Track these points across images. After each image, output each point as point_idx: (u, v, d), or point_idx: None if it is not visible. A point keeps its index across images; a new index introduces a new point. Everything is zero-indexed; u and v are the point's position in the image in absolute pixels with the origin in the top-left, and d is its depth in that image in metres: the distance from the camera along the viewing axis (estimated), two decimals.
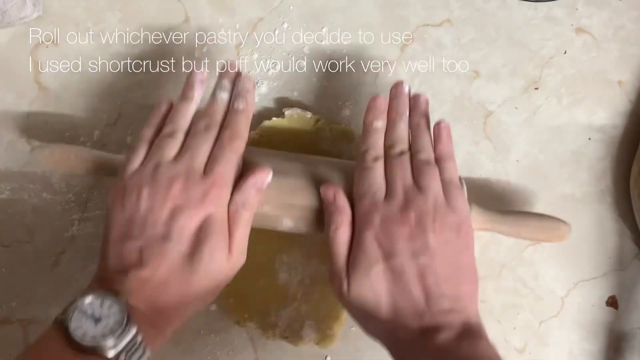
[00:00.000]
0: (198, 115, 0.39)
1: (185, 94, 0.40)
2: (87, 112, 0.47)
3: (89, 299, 0.31)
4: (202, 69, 0.40)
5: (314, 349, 0.46)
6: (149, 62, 0.47)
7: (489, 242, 0.47)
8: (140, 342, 0.32)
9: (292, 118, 0.46)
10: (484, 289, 0.47)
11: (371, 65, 0.48)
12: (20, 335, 0.46)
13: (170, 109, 0.40)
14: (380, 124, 0.40)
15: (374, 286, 0.35)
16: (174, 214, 0.34)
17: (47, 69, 0.47)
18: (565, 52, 0.48)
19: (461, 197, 0.38)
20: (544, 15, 0.48)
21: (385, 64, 0.48)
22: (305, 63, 0.48)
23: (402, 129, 0.40)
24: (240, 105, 0.39)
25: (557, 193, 0.48)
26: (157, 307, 0.34)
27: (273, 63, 0.48)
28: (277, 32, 0.48)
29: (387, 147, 0.39)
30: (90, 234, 0.46)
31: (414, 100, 0.42)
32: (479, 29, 0.48)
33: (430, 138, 0.40)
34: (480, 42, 0.48)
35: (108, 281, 0.34)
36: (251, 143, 0.43)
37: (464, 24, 0.48)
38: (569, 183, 0.48)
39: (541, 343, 0.47)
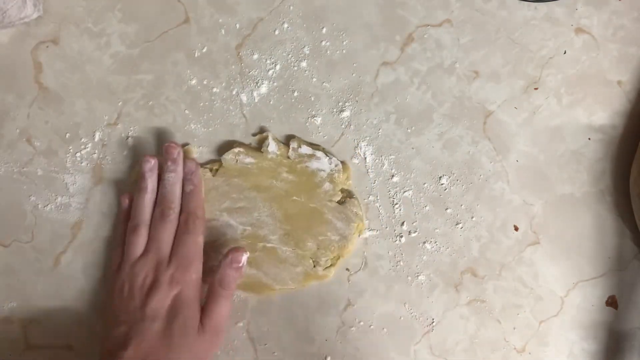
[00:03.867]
0: (157, 203, 0.44)
1: (139, 186, 0.44)
2: (87, 112, 0.47)
3: None
4: (149, 158, 0.44)
5: (314, 349, 0.46)
6: (149, 62, 0.47)
7: (489, 242, 0.47)
8: None
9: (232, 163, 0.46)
10: (484, 289, 0.47)
11: (371, 66, 0.48)
12: (20, 335, 0.46)
13: (132, 201, 0.45)
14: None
15: None
16: (148, 299, 0.41)
17: (47, 69, 0.47)
18: (565, 52, 0.48)
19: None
20: (544, 15, 0.48)
21: (385, 64, 0.48)
22: (305, 63, 0.48)
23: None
24: (188, 187, 0.45)
25: (557, 193, 0.48)
26: None
27: (273, 63, 0.48)
28: (277, 32, 0.48)
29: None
30: (90, 235, 0.46)
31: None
32: (479, 29, 0.48)
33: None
34: (480, 42, 0.48)
35: None
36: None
37: (464, 24, 0.48)
38: (569, 183, 0.48)
39: (541, 343, 0.47)
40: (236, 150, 0.46)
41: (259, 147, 0.46)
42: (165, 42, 0.48)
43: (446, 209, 0.47)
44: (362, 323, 0.46)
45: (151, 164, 0.44)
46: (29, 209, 0.47)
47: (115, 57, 0.47)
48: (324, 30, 0.48)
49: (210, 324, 0.41)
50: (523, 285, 0.47)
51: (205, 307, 0.42)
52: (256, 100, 0.47)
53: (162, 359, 0.39)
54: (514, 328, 0.47)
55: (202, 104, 0.47)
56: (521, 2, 0.48)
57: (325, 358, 0.46)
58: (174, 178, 0.44)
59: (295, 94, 0.47)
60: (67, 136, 0.47)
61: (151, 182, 0.44)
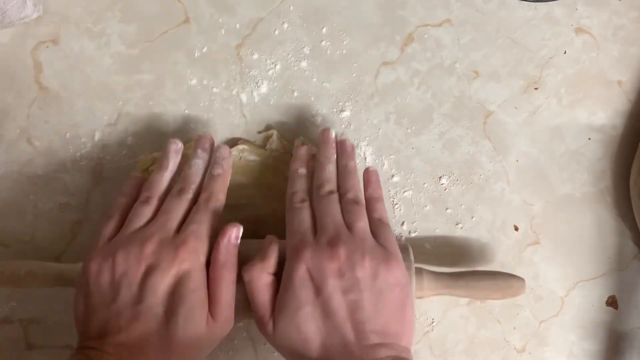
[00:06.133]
0: (174, 182, 0.41)
1: (160, 164, 0.42)
2: (87, 112, 0.47)
3: None
4: (177, 140, 0.43)
5: None
6: (149, 62, 0.47)
7: (489, 242, 0.47)
8: None
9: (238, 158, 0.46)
10: None
11: (371, 66, 0.48)
12: (20, 335, 0.46)
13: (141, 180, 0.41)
14: (304, 171, 0.42)
15: (302, 325, 0.34)
16: (146, 275, 0.34)
17: (47, 69, 0.47)
18: (565, 52, 0.48)
19: (390, 235, 0.38)
20: (544, 15, 0.48)
21: (385, 64, 0.48)
22: (305, 63, 0.48)
23: (331, 171, 0.42)
24: (217, 171, 0.41)
25: (557, 193, 0.48)
26: None
27: (273, 63, 0.48)
28: (277, 32, 0.48)
29: (316, 188, 0.40)
30: (90, 235, 0.46)
31: (340, 145, 0.43)
32: (479, 29, 0.48)
33: (358, 180, 0.42)
34: (480, 42, 0.48)
35: (86, 350, 0.33)
36: None
37: (464, 24, 0.48)
38: (569, 183, 0.48)
39: (541, 343, 0.47)
40: (240, 147, 0.46)
41: (264, 144, 0.46)
42: (165, 42, 0.48)
43: (446, 209, 0.47)
44: None
45: (178, 145, 0.42)
46: (29, 209, 0.46)
47: (115, 57, 0.47)
48: (324, 30, 0.48)
49: (221, 313, 0.35)
50: None
51: (211, 294, 0.35)
52: (256, 100, 0.47)
53: (161, 352, 0.33)
54: (514, 328, 0.46)
55: (202, 104, 0.47)
56: (521, 2, 0.48)
57: None
58: (200, 164, 0.41)
59: (295, 94, 0.48)
60: (67, 136, 0.47)
61: (173, 163, 0.41)
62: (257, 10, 0.48)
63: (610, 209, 0.48)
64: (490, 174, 0.47)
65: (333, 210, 0.38)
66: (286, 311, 0.35)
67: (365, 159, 0.47)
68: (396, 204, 0.47)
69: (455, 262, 0.47)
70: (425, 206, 0.47)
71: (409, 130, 0.48)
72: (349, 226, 0.37)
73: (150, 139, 0.47)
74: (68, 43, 0.47)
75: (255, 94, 0.47)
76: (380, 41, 0.48)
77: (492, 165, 0.48)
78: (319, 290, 0.35)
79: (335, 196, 0.40)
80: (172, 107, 0.47)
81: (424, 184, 0.47)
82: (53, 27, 0.47)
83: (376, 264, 0.36)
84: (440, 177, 0.47)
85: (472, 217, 0.47)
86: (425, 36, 0.48)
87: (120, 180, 0.47)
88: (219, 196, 0.40)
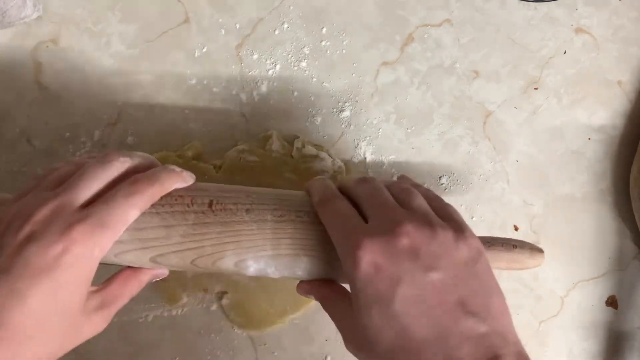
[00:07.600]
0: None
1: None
2: (87, 112, 0.47)
3: None
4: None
5: (314, 349, 0.46)
6: (149, 62, 0.47)
7: None
8: None
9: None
10: None
11: (371, 66, 0.48)
12: None
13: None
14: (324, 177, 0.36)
15: (398, 323, 0.28)
16: (26, 244, 0.27)
17: (47, 69, 0.47)
18: (565, 52, 0.48)
19: (452, 208, 0.33)
20: (544, 15, 0.48)
21: (385, 64, 0.48)
22: (305, 63, 0.48)
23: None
24: (177, 168, 0.33)
25: (557, 193, 0.48)
26: None
27: (273, 63, 0.48)
28: (277, 32, 0.48)
29: (351, 180, 0.34)
30: None
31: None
32: (479, 29, 0.48)
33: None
34: (480, 42, 0.48)
35: None
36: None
37: (464, 24, 0.48)
38: (569, 183, 0.48)
39: (541, 343, 0.47)
40: (240, 147, 0.46)
41: (263, 145, 0.46)
42: (165, 42, 0.48)
43: None
44: None
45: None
46: None
47: (115, 57, 0.47)
48: (324, 30, 0.48)
49: (103, 313, 0.31)
50: (523, 285, 0.47)
51: (107, 290, 0.31)
52: (256, 100, 0.47)
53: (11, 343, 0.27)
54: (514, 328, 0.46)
55: (202, 104, 0.47)
56: (521, 2, 0.48)
57: (325, 358, 0.46)
58: (149, 158, 0.34)
59: (295, 94, 0.48)
60: (67, 136, 0.47)
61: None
62: (257, 10, 0.48)
63: (610, 209, 0.48)
64: (490, 174, 0.47)
65: (383, 193, 0.32)
66: (369, 310, 0.28)
67: (365, 159, 0.47)
68: None
69: None
70: None
71: (409, 130, 0.48)
72: (405, 205, 0.31)
73: (150, 139, 0.47)
74: (68, 43, 0.47)
75: (255, 94, 0.47)
76: (380, 41, 0.48)
77: (492, 165, 0.48)
78: (394, 280, 0.28)
79: (379, 181, 0.33)
80: (172, 107, 0.47)
81: (424, 184, 0.47)
82: (53, 27, 0.47)
83: (451, 235, 0.30)
84: (440, 177, 0.47)
85: (472, 217, 0.47)
86: (425, 36, 0.48)
87: None
88: (165, 184, 0.31)
